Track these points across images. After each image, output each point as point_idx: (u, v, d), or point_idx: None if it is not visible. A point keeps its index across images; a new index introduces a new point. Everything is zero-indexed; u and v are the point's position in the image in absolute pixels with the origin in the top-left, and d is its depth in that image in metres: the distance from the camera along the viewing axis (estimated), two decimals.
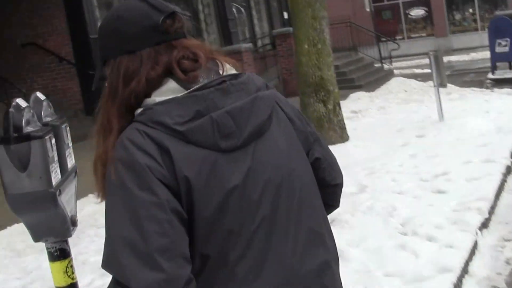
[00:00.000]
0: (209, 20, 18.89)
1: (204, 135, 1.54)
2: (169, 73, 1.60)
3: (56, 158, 2.33)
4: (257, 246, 1.59)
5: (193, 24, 17.73)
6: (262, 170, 1.62)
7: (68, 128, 2.57)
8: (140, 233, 1.46)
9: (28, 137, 2.20)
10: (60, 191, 2.33)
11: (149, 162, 1.50)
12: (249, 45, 16.42)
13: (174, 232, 1.48)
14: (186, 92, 1.57)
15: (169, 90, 1.58)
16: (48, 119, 2.49)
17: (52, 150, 2.29)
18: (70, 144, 2.59)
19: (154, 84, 1.59)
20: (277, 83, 17.45)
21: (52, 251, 2.45)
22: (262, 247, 1.60)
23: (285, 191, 1.66)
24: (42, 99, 2.49)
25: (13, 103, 2.23)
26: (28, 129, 2.22)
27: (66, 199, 2.42)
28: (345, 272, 4.86)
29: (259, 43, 20.32)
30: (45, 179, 2.24)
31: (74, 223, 2.47)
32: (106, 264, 1.52)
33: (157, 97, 1.57)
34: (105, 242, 1.53)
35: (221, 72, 1.66)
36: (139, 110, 1.58)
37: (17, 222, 6.32)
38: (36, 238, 2.41)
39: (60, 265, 2.45)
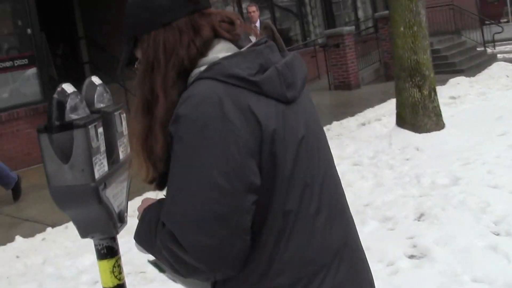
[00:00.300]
0: (314, 3, 18.54)
1: (274, 85, 1.56)
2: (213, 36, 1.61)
3: (102, 149, 2.08)
4: (326, 199, 1.61)
5: (298, 7, 17.70)
6: (312, 122, 1.66)
7: (124, 115, 2.31)
8: (206, 196, 1.44)
9: (70, 126, 1.96)
10: (105, 184, 2.08)
11: (233, 117, 1.47)
12: (351, 28, 15.98)
13: (239, 202, 1.46)
14: (246, 47, 1.60)
15: (223, 49, 1.61)
16: (101, 105, 2.24)
17: (98, 140, 2.03)
18: (126, 133, 2.33)
19: (207, 46, 1.59)
20: (379, 67, 16.88)
21: (99, 248, 2.21)
22: (329, 200, 1.63)
23: (322, 144, 1.70)
24: (97, 83, 2.24)
25: (58, 89, 1.99)
26: (72, 117, 1.98)
27: (113, 193, 2.17)
28: (430, 273, 4.47)
29: (362, 26, 19.79)
30: (88, 172, 1.99)
31: (122, 219, 2.22)
32: (166, 216, 1.51)
33: (215, 55, 1.59)
34: (170, 194, 1.51)
35: (252, 34, 1.71)
36: (199, 69, 1.57)
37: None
38: (83, 234, 2.18)
39: (107, 264, 2.22)
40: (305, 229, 1.57)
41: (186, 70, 1.59)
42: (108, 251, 2.21)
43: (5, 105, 9.96)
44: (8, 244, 6.10)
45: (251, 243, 1.51)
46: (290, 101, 1.58)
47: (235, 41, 1.64)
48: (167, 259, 1.54)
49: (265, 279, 1.55)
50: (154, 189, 1.70)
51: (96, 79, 2.24)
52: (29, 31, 10.71)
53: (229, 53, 1.59)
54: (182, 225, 1.47)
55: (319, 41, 17.39)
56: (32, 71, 10.79)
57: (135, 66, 1.70)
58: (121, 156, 2.28)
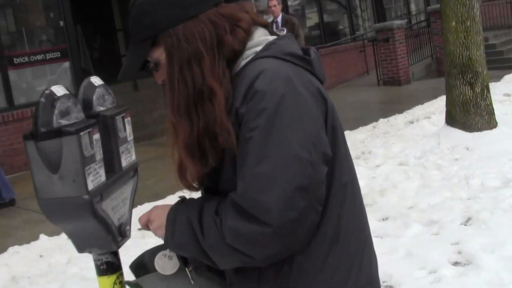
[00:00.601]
0: None
1: (318, 66, 1.67)
2: None
3: (99, 157, 1.88)
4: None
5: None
6: None
7: (128, 119, 2.12)
8: (290, 168, 1.48)
9: (59, 133, 1.76)
10: (101, 196, 1.89)
11: (303, 92, 1.55)
12: (402, 22, 15.60)
13: (318, 173, 1.53)
14: (282, 35, 1.69)
15: (265, 33, 1.68)
16: (101, 108, 2.04)
17: (92, 147, 1.84)
18: (130, 138, 2.13)
19: (251, 30, 1.64)
20: (430, 62, 16.41)
21: (98, 264, 2.02)
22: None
23: None
24: (97, 84, 2.05)
25: (46, 91, 1.80)
26: (61, 122, 1.78)
27: (112, 205, 1.98)
28: (475, 282, 4.18)
29: (414, 20, 19.31)
30: (79, 183, 1.79)
31: (123, 233, 2.02)
32: (245, 197, 1.51)
33: (263, 37, 1.65)
34: (248, 173, 1.51)
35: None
36: (253, 50, 1.62)
37: None
38: (79, 249, 1.99)
39: (107, 280, 2.03)
40: (356, 201, 1.71)
41: (235, 56, 1.61)
42: (108, 267, 2.02)
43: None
44: (32, 243, 6.02)
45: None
46: (323, 84, 1.68)
47: (267, 27, 1.71)
48: (222, 249, 1.56)
49: (333, 250, 1.62)
50: (191, 190, 1.75)
51: (96, 80, 2.05)
52: (61, 23, 10.71)
53: (274, 37, 1.66)
54: (266, 200, 1.49)
55: (368, 35, 17.11)
56: (65, 64, 10.78)
57: (150, 67, 1.69)
58: (124, 164, 2.08)
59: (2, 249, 5.89)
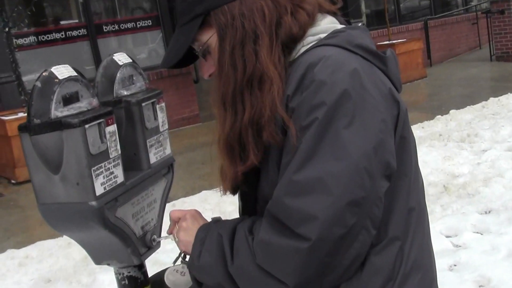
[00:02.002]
0: None
1: (393, 67, 1.45)
2: None
3: (114, 154, 1.53)
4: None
5: None
6: None
7: (160, 105, 1.75)
8: (345, 176, 1.24)
9: (57, 125, 1.42)
10: (116, 200, 1.54)
11: (371, 90, 1.31)
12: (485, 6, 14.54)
13: (376, 187, 1.28)
14: (356, 25, 1.48)
15: (334, 21, 1.47)
16: (125, 92, 1.69)
17: (104, 141, 1.49)
18: (163, 128, 1.77)
19: (315, 14, 1.44)
20: None
21: (119, 278, 1.69)
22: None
23: None
24: (121, 63, 1.69)
25: (44, 73, 1.45)
26: (62, 112, 1.44)
27: (133, 211, 1.63)
28: None
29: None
30: (84, 186, 1.45)
31: (148, 244, 1.68)
32: (277, 203, 1.30)
33: (330, 25, 1.44)
34: (295, 180, 1.27)
35: None
36: (316, 37, 1.40)
37: None
38: (96, 260, 1.66)
39: None
40: (423, 232, 1.46)
41: (293, 40, 1.39)
42: (131, 283, 1.68)
43: None
44: None
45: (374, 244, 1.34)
46: (398, 91, 1.43)
47: (338, 16, 1.50)
48: (251, 272, 1.34)
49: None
50: (224, 193, 1.51)
51: (121, 57, 1.69)
52: None
53: (343, 26, 1.45)
54: (306, 209, 1.26)
55: (482, 6, 16.12)
56: (157, 33, 10.57)
57: (199, 50, 1.46)
58: (154, 159, 1.72)
59: None
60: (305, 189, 1.26)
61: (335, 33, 1.40)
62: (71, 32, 9.79)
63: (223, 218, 1.54)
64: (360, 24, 1.45)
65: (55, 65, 1.46)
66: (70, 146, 1.43)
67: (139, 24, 10.41)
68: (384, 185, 1.31)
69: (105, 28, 10.15)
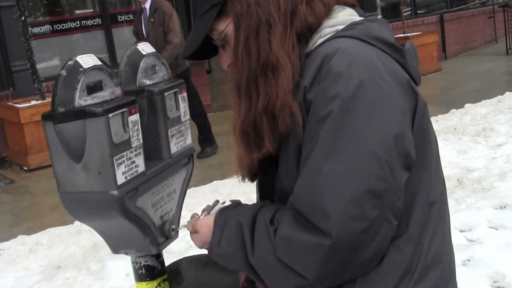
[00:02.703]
0: None
1: (412, 60, 1.43)
2: None
3: (136, 143, 1.54)
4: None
5: None
6: None
7: (182, 95, 1.76)
8: (364, 168, 1.24)
9: (81, 114, 1.43)
10: (137, 190, 1.55)
11: (389, 81, 1.30)
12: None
13: (397, 178, 1.27)
14: (374, 18, 1.48)
15: (353, 13, 1.46)
16: (148, 82, 1.69)
17: (127, 131, 1.49)
18: (185, 119, 1.78)
19: (332, 6, 1.44)
20: None
21: (136, 267, 1.70)
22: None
23: None
24: (145, 52, 1.70)
25: (69, 62, 1.46)
26: (86, 101, 1.45)
27: (153, 200, 1.64)
28: None
29: None
30: (106, 176, 1.46)
31: (167, 233, 1.68)
32: (298, 198, 1.28)
33: (348, 17, 1.43)
34: (314, 173, 1.26)
35: None
36: (333, 28, 1.39)
37: None
38: (114, 249, 1.67)
39: (145, 287, 1.70)
40: (444, 227, 1.44)
41: (308, 30, 1.39)
42: (148, 272, 1.69)
43: None
44: None
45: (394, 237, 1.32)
46: (417, 85, 1.42)
47: (357, 8, 1.49)
48: (271, 265, 1.33)
49: (406, 282, 1.34)
50: (243, 180, 1.52)
51: (144, 47, 1.70)
52: None
53: (361, 18, 1.44)
54: (327, 204, 1.24)
55: (499, 0, 15.83)
56: None
57: (216, 38, 1.46)
58: (174, 149, 1.73)
59: None
60: (325, 183, 1.25)
61: (353, 25, 1.40)
62: (85, 21, 9.81)
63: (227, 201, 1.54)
64: (379, 16, 1.44)
65: (69, 54, 1.46)
66: (93, 135, 1.44)
67: None
68: (404, 176, 1.30)
69: (120, 18, 10.16)
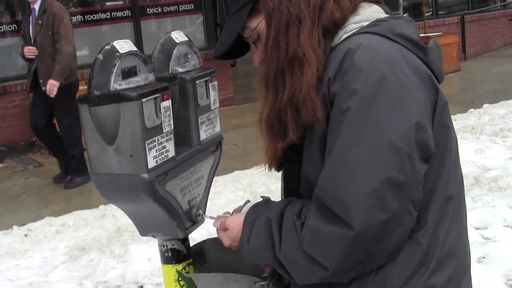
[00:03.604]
0: None
1: (436, 58, 1.42)
2: None
3: (168, 129, 1.53)
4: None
5: None
6: None
7: (213, 83, 1.75)
8: (384, 160, 1.24)
9: (116, 98, 1.42)
10: (167, 175, 1.54)
11: (411, 76, 1.30)
12: None
13: (416, 171, 1.27)
14: (399, 15, 1.46)
15: (378, 11, 1.45)
16: (180, 70, 1.69)
17: (159, 116, 1.49)
18: (214, 107, 1.77)
19: (357, 3, 1.43)
20: None
21: (163, 250, 1.70)
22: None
23: None
24: (178, 41, 1.69)
25: (107, 46, 1.45)
26: (121, 85, 1.44)
27: (182, 185, 1.63)
28: None
29: None
30: (137, 159, 1.46)
31: (193, 218, 1.68)
32: (322, 190, 1.28)
33: (373, 14, 1.42)
34: (336, 165, 1.27)
35: None
36: (358, 25, 1.39)
37: None
38: (141, 232, 1.67)
39: (171, 270, 1.70)
40: (460, 221, 1.44)
41: (334, 25, 1.39)
42: (174, 255, 1.69)
43: None
44: None
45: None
46: (439, 82, 1.40)
47: (383, 5, 1.48)
48: (298, 258, 1.32)
49: (421, 274, 1.34)
50: (269, 169, 1.53)
51: (178, 35, 1.69)
52: None
53: (387, 15, 1.43)
54: (347, 195, 1.24)
55: None
56: (198, 17, 10.56)
57: (249, 36, 1.46)
58: (204, 136, 1.72)
59: None
60: (346, 174, 1.26)
61: (377, 21, 1.39)
62: (116, 13, 9.83)
63: (253, 199, 1.52)
64: (405, 15, 1.42)
65: (99, 45, 1.46)
66: (127, 119, 1.43)
67: (181, 7, 10.42)
68: (423, 168, 1.30)
69: (149, 10, 10.18)
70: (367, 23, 1.40)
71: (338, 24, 1.40)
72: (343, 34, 1.40)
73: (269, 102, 1.41)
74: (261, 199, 1.52)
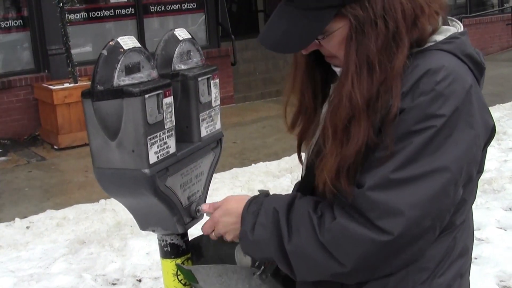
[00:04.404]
0: None
1: (483, 79, 1.40)
2: None
3: (169, 125, 1.53)
4: None
5: None
6: None
7: (215, 81, 1.74)
8: (440, 183, 1.24)
9: (119, 93, 1.42)
10: (167, 170, 1.54)
11: (476, 106, 1.29)
12: None
13: (456, 195, 1.30)
14: (462, 30, 1.39)
15: (443, 22, 1.36)
16: (183, 67, 1.68)
17: (161, 112, 1.48)
18: (215, 104, 1.76)
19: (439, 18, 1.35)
20: None
21: (162, 244, 1.69)
22: None
23: None
24: (181, 38, 1.68)
25: (111, 42, 1.45)
26: (124, 81, 1.44)
27: (182, 181, 1.63)
28: None
29: None
30: (139, 154, 1.45)
31: (192, 214, 1.68)
32: (364, 197, 1.26)
33: (442, 27, 1.35)
34: (377, 174, 1.25)
35: None
36: (435, 38, 1.32)
37: None
38: (141, 226, 1.67)
39: (170, 264, 1.70)
40: (469, 220, 1.46)
41: (422, 43, 1.31)
42: (173, 250, 1.68)
43: None
44: None
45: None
46: None
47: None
48: (310, 250, 1.30)
49: (434, 274, 1.36)
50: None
51: (181, 32, 1.68)
52: None
53: (454, 29, 1.38)
54: (396, 206, 1.24)
55: None
56: (200, 16, 10.55)
57: (321, 39, 1.32)
58: (204, 133, 1.72)
59: None
60: (399, 186, 1.25)
61: (451, 38, 1.34)
62: (119, 10, 9.83)
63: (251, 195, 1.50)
64: (458, 25, 1.39)
65: (102, 41, 1.45)
66: (129, 114, 1.43)
67: (184, 6, 10.40)
68: (461, 193, 1.32)
69: (152, 8, 10.17)
70: (440, 37, 1.34)
71: (426, 42, 1.32)
72: (422, 43, 1.32)
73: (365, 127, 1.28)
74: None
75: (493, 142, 6.80)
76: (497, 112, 8.52)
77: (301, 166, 1.55)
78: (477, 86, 1.34)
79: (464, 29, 1.41)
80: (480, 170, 1.42)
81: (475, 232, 4.42)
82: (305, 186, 1.44)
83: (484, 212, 4.86)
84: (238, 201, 1.48)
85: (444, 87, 1.24)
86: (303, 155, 1.56)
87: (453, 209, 1.32)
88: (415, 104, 1.24)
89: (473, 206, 4.49)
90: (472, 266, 4.00)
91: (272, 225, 1.37)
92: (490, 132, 1.38)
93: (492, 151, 6.58)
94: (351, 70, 1.27)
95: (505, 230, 4.61)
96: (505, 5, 16.16)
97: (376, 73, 1.25)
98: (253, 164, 6.60)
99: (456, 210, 1.35)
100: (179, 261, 1.69)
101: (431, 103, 1.24)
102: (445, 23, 1.39)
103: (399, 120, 1.25)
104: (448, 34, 1.35)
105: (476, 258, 4.13)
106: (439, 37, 1.33)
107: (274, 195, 1.47)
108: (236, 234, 1.47)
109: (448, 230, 1.36)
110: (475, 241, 4.44)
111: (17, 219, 5.41)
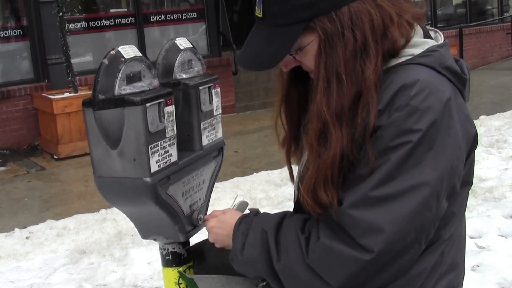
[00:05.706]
0: None
1: (469, 86, 1.39)
2: None
3: (170, 133, 1.53)
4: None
5: None
6: None
7: (216, 90, 1.75)
8: (420, 198, 1.23)
9: (120, 102, 1.43)
10: (169, 179, 1.55)
11: (456, 120, 1.27)
12: None
13: (440, 208, 1.28)
14: (442, 42, 1.38)
15: (421, 34, 1.35)
16: (184, 76, 1.69)
17: (162, 121, 1.49)
18: (217, 113, 1.77)
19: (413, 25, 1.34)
20: None
21: (164, 253, 1.70)
22: None
23: None
24: (182, 47, 1.69)
25: (112, 51, 1.46)
26: (125, 89, 1.45)
27: (184, 190, 1.63)
28: None
29: None
30: (140, 163, 1.46)
31: (194, 223, 1.68)
32: (344, 214, 1.25)
33: (419, 39, 1.33)
34: (357, 191, 1.25)
35: None
36: (410, 51, 1.30)
37: None
38: (143, 235, 1.67)
39: (172, 273, 1.70)
40: (460, 233, 1.44)
41: (394, 54, 1.30)
42: (175, 258, 1.69)
43: None
44: None
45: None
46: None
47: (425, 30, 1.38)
48: (298, 271, 1.30)
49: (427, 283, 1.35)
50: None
51: (182, 42, 1.69)
52: None
53: (432, 41, 1.35)
54: (377, 223, 1.23)
55: None
56: (201, 25, 10.60)
57: (294, 54, 1.34)
58: (206, 142, 1.72)
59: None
60: (378, 203, 1.24)
61: (429, 51, 1.32)
62: (119, 19, 9.87)
63: (253, 204, 1.51)
64: (439, 36, 1.38)
65: (102, 51, 1.46)
66: (131, 123, 1.43)
67: (184, 15, 10.44)
68: (445, 206, 1.30)
69: (152, 18, 10.20)
70: (417, 50, 1.32)
71: (398, 53, 1.30)
72: (392, 60, 1.31)
73: (338, 140, 1.27)
74: (250, 211, 1.51)
75: (493, 151, 6.81)
76: (498, 120, 8.53)
77: None
78: (459, 98, 1.32)
79: (444, 40, 1.39)
80: (470, 182, 1.40)
81: (476, 240, 4.44)
82: (299, 205, 1.43)
83: (485, 220, 4.86)
84: (234, 215, 1.51)
85: (419, 101, 1.23)
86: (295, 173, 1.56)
87: (438, 222, 1.30)
88: (391, 120, 1.23)
89: (474, 215, 4.52)
90: (473, 273, 4.02)
91: (260, 246, 1.38)
92: (472, 141, 1.36)
93: (493, 159, 6.59)
94: (320, 84, 1.27)
95: (506, 237, 4.61)
96: (505, 14, 16.21)
97: (346, 85, 1.25)
98: (254, 173, 6.60)
99: (444, 224, 1.34)
100: (180, 269, 1.69)
101: (406, 119, 1.22)
102: (426, 34, 1.38)
103: (377, 137, 1.24)
104: (426, 47, 1.32)
105: (477, 266, 4.13)
106: (416, 51, 1.31)
107: (264, 214, 1.47)
108: (224, 245, 1.51)
109: (434, 244, 1.34)
110: (476, 248, 4.45)
111: (16, 229, 5.41)
